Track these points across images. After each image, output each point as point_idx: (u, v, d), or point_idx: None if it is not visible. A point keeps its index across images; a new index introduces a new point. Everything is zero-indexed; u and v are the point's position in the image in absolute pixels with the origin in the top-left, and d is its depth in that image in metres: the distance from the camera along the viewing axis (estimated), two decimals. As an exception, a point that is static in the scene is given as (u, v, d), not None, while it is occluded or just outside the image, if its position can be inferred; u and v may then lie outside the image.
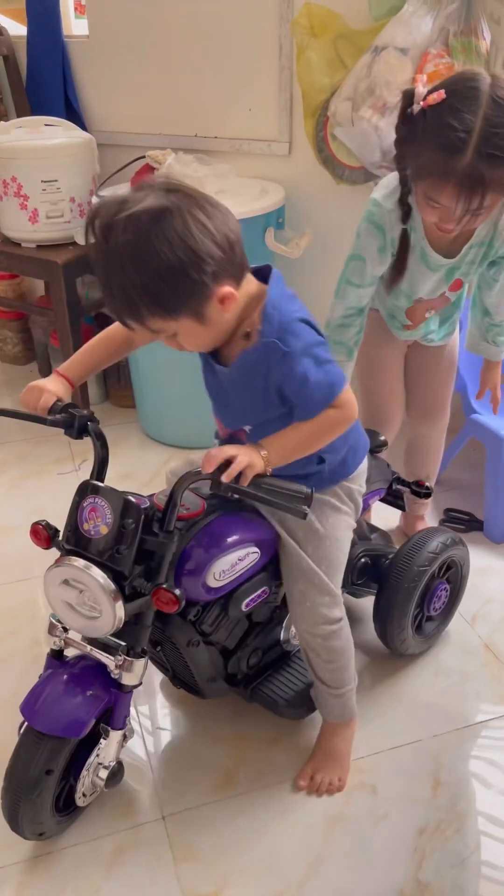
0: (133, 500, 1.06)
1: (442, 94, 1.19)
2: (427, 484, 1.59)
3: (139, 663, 1.13)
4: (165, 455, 2.27)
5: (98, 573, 1.04)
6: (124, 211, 0.93)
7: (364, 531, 1.57)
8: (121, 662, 1.12)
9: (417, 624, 1.53)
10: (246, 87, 2.21)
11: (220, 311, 1.01)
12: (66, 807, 1.20)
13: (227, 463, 0.98)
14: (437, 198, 1.24)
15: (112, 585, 1.04)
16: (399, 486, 1.59)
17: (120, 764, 1.18)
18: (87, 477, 1.13)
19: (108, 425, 2.52)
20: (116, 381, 2.57)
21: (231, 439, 1.24)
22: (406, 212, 1.37)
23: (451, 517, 1.98)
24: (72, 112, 2.45)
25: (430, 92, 1.21)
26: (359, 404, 1.15)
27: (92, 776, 1.18)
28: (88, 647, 1.15)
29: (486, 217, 1.28)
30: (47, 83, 2.45)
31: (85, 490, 1.09)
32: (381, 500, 1.60)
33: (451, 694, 1.48)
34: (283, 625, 1.38)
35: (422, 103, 1.21)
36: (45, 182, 2.19)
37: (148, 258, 0.93)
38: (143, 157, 2.20)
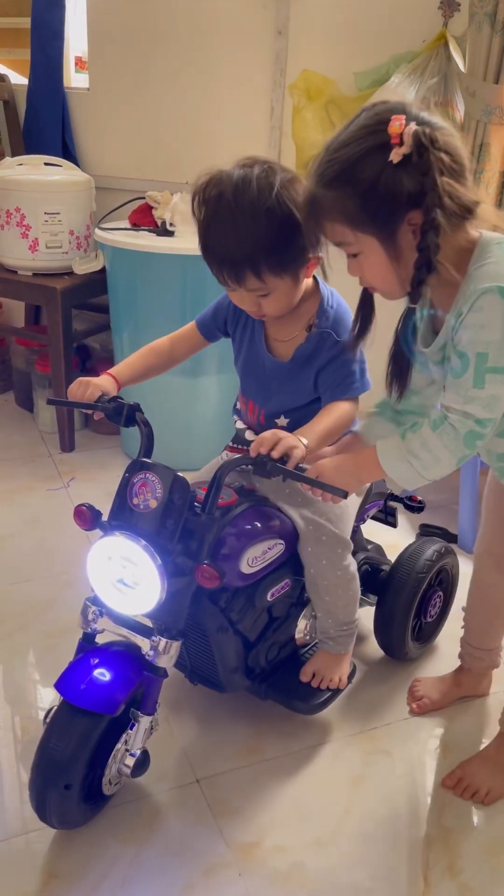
0: (182, 476, 1.12)
1: None
2: (420, 498, 1.61)
3: (175, 645, 1.15)
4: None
5: (146, 546, 1.08)
6: (248, 176, 1.09)
7: (362, 542, 1.65)
8: (157, 644, 1.14)
9: (415, 631, 1.61)
10: (237, 142, 2.44)
11: (303, 278, 1.19)
12: (92, 797, 1.19)
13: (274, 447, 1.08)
14: None
15: (159, 559, 1.08)
16: (392, 503, 1.65)
17: (146, 753, 1.18)
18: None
19: (91, 449, 2.64)
20: (98, 408, 2.66)
21: (261, 426, 1.36)
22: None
23: (427, 531, 2.14)
24: (68, 155, 2.62)
25: None
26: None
27: (119, 764, 1.17)
28: (124, 630, 1.19)
29: (365, 266, 1.05)
30: (46, 127, 2.61)
31: (136, 466, 1.14)
32: (373, 518, 1.65)
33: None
34: (298, 621, 1.42)
35: None
36: (47, 214, 2.33)
37: (288, 217, 1.08)
38: (142, 197, 2.38)
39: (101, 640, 1.24)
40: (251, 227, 1.09)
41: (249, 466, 1.11)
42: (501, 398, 1.00)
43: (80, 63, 2.71)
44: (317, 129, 2.17)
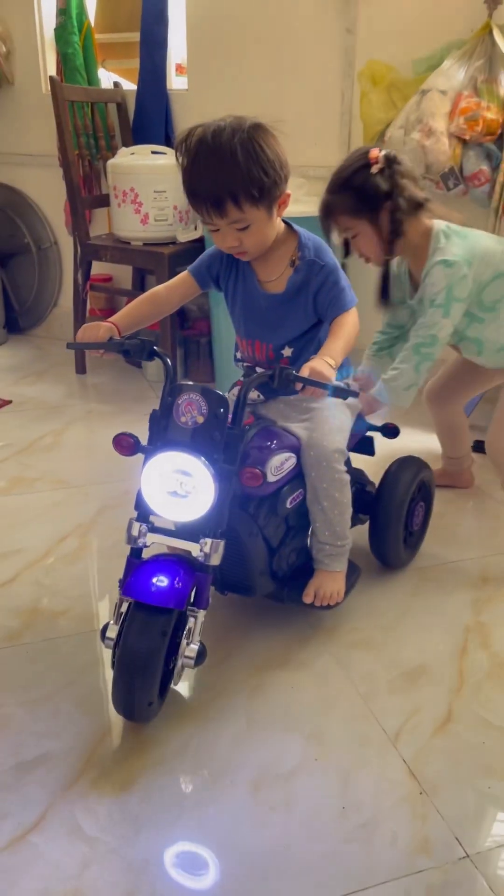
0: (221, 394, 1.26)
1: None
2: (394, 424, 1.79)
3: (221, 544, 1.27)
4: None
5: (201, 457, 1.23)
6: (222, 124, 1.28)
7: (349, 466, 1.69)
8: (205, 544, 1.26)
9: (405, 540, 1.79)
10: (313, 126, 2.87)
11: (278, 213, 1.36)
12: (162, 691, 1.31)
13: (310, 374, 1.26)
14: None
15: (212, 468, 1.23)
16: (370, 433, 1.80)
17: (203, 644, 1.28)
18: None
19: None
20: (196, 358, 3.12)
21: (270, 360, 1.50)
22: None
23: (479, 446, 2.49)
24: (170, 145, 3.10)
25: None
26: None
27: (182, 659, 1.28)
28: (173, 540, 1.30)
29: (361, 242, 1.72)
30: (152, 123, 3.10)
31: (178, 390, 1.27)
32: (352, 449, 1.71)
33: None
34: (308, 533, 1.57)
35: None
36: (156, 192, 2.81)
37: (258, 153, 1.26)
38: (233, 176, 2.83)
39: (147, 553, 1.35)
40: (228, 161, 1.25)
41: (266, 383, 1.28)
42: (443, 323, 1.70)
43: (179, 69, 3.20)
44: (381, 110, 2.57)
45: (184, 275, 1.53)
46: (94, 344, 1.37)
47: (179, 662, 1.29)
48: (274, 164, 1.29)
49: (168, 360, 1.33)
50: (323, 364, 1.27)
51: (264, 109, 2.98)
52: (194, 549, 1.28)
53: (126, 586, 1.25)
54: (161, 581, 1.23)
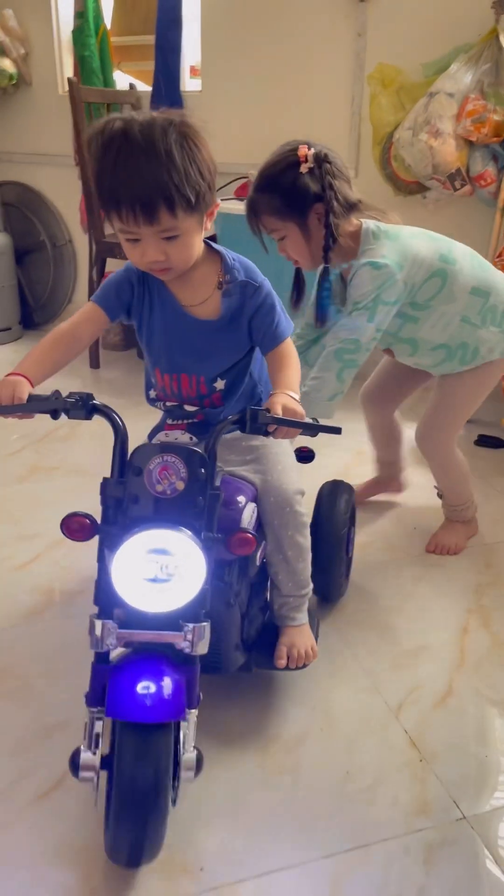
0: (197, 449, 1.06)
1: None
2: (308, 448, 1.59)
3: (207, 627, 1.06)
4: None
5: (185, 531, 1.02)
6: (149, 118, 1.08)
7: None
8: (189, 632, 1.04)
9: (346, 567, 1.68)
10: (324, 127, 2.94)
11: (206, 225, 1.18)
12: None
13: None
14: None
15: (199, 541, 1.03)
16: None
17: (199, 750, 1.06)
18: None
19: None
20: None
21: (202, 395, 1.31)
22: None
23: (484, 440, 2.56)
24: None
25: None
26: None
27: (183, 773, 1.04)
28: (150, 634, 1.05)
29: (289, 245, 1.61)
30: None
31: (148, 453, 1.05)
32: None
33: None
34: (267, 587, 1.43)
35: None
36: (170, 191, 2.88)
37: (195, 153, 1.09)
38: (244, 176, 2.91)
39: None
40: (164, 160, 1.07)
41: (235, 426, 1.11)
42: (367, 328, 1.58)
43: (193, 71, 3.27)
44: (390, 112, 2.64)
45: (88, 306, 1.28)
46: (15, 407, 1.10)
47: (182, 777, 1.05)
48: (209, 167, 1.14)
49: (116, 417, 1.10)
50: (292, 400, 1.15)
51: (276, 111, 3.08)
52: (176, 638, 1.04)
53: (109, 705, 1.00)
54: (148, 688, 1.00)
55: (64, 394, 1.11)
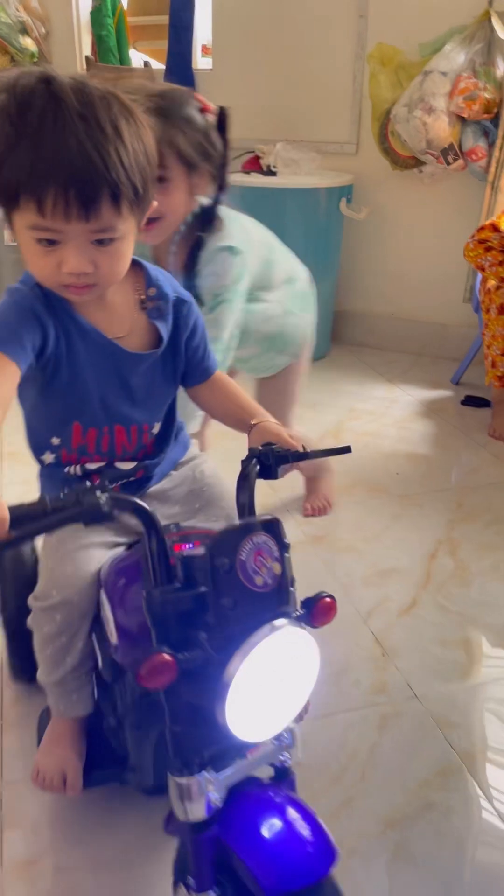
0: (270, 516, 0.81)
1: None
2: None
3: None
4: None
5: (297, 621, 0.78)
6: (77, 80, 0.83)
7: None
8: (290, 734, 0.85)
9: None
10: (327, 105, 3.10)
11: (140, 229, 0.92)
12: None
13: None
14: None
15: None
16: None
17: None
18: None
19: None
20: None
21: (140, 449, 1.07)
22: None
23: (470, 401, 2.73)
24: (195, 122, 3.35)
25: None
26: None
27: None
28: (248, 760, 0.83)
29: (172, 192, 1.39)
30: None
31: (234, 540, 0.76)
32: None
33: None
34: None
35: None
36: (181, 164, 3.06)
37: (142, 134, 0.85)
38: (252, 151, 3.08)
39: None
40: (110, 135, 0.81)
41: (264, 472, 0.92)
42: (229, 321, 1.45)
43: (205, 50, 3.44)
44: (388, 90, 2.80)
45: None
46: (29, 532, 0.73)
47: None
48: (153, 157, 0.89)
49: (148, 512, 0.79)
50: (286, 429, 0.99)
51: (282, 88, 3.24)
52: (276, 753, 0.84)
53: (257, 882, 0.74)
54: (293, 839, 0.77)
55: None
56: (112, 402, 1.01)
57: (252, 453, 0.92)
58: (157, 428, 1.08)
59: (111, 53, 3.38)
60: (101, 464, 1.06)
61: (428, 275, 3.11)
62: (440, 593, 1.69)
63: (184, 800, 0.78)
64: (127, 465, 1.07)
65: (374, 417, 2.61)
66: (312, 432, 2.44)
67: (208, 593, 0.76)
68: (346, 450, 0.97)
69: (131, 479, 1.09)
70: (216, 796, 0.79)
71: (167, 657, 0.74)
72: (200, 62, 3.43)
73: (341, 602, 1.60)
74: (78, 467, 1.05)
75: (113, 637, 0.96)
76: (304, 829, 0.78)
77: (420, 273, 3.13)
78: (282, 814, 0.80)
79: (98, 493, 0.74)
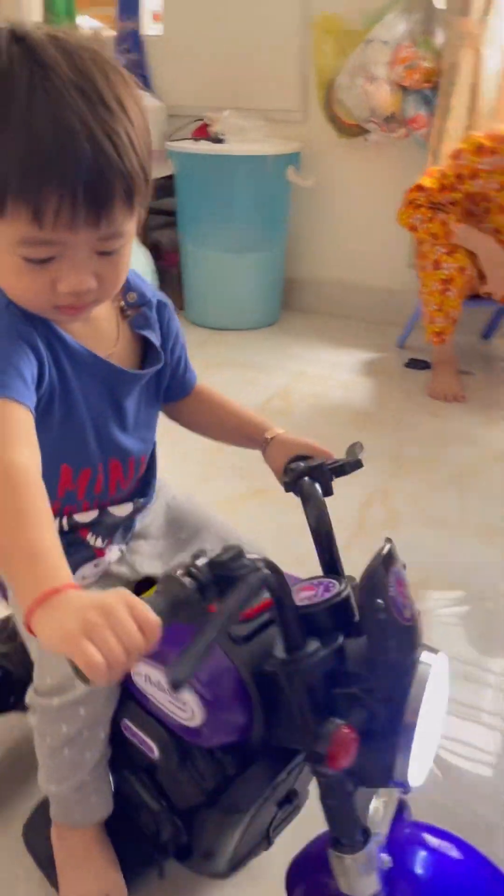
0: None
1: None
2: None
3: None
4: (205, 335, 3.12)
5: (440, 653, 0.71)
6: (61, 35, 0.67)
7: None
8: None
9: None
10: (274, 73, 3.14)
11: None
12: None
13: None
14: None
15: None
16: None
17: None
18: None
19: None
20: (169, 289, 3.43)
21: (135, 483, 0.92)
22: None
23: (413, 363, 2.84)
24: (145, 88, 3.38)
25: None
26: None
27: None
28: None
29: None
30: (128, 68, 3.37)
31: (380, 576, 0.70)
32: None
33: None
34: None
35: None
36: (131, 131, 3.09)
37: (140, 106, 0.69)
38: (201, 118, 3.12)
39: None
40: (116, 112, 0.65)
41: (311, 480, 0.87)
42: None
43: (155, 16, 3.45)
44: (333, 58, 2.86)
45: (9, 410, 0.68)
46: (197, 649, 0.57)
47: None
48: (149, 129, 0.72)
49: (282, 574, 0.67)
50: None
51: (231, 55, 3.27)
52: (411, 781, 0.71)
53: None
54: (452, 874, 0.76)
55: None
56: (106, 434, 0.84)
57: (298, 471, 0.84)
58: (146, 458, 0.93)
59: (60, 18, 3.38)
60: (93, 513, 0.88)
61: (374, 241, 3.20)
62: (371, 539, 1.78)
63: (355, 877, 0.71)
64: (123, 510, 0.91)
65: (320, 380, 2.71)
66: (262, 395, 2.54)
67: (353, 643, 0.70)
68: (358, 465, 0.93)
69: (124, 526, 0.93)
70: (387, 857, 0.73)
71: (347, 730, 0.65)
72: (151, 29, 3.45)
73: (279, 550, 1.73)
74: (64, 520, 0.86)
75: (197, 718, 0.76)
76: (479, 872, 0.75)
77: (366, 240, 3.22)
78: (455, 863, 0.76)
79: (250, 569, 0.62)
